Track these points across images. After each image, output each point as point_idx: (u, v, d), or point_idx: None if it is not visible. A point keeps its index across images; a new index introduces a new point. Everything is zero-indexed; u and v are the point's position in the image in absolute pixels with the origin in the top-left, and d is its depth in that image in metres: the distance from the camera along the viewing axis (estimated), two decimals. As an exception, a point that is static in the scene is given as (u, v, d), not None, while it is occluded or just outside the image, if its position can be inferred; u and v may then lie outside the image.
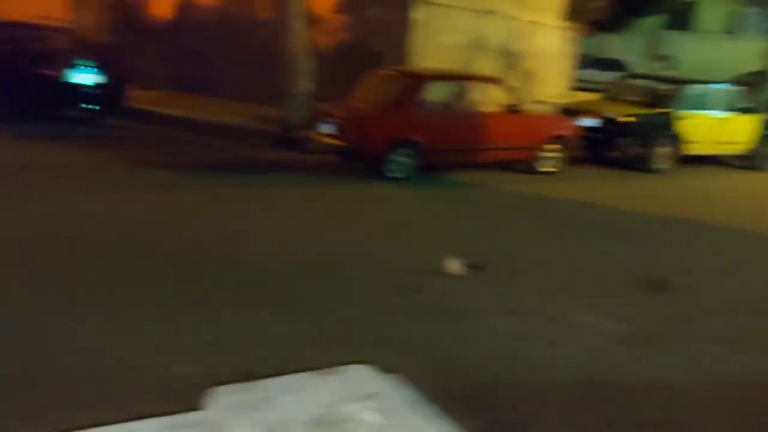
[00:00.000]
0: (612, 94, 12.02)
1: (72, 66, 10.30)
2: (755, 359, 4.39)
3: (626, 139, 10.46)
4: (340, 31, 12.47)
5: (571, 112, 11.05)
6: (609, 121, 10.61)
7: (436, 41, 11.85)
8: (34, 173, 7.62)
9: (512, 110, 9.58)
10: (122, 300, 4.43)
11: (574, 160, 10.29)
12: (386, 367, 3.43)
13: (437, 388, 3.40)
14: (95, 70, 10.52)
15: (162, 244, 5.62)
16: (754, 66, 16.62)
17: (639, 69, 18.02)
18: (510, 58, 13.22)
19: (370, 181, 8.66)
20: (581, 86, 16.34)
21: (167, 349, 3.79)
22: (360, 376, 1.13)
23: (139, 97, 11.88)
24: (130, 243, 5.58)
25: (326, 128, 9.05)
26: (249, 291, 4.76)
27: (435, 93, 9.22)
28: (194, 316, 4.27)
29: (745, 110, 11.53)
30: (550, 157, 9.88)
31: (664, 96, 11.09)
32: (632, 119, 10.54)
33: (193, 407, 1.07)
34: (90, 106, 10.77)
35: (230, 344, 3.93)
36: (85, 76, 10.42)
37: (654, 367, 4.14)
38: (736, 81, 13.35)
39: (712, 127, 11.09)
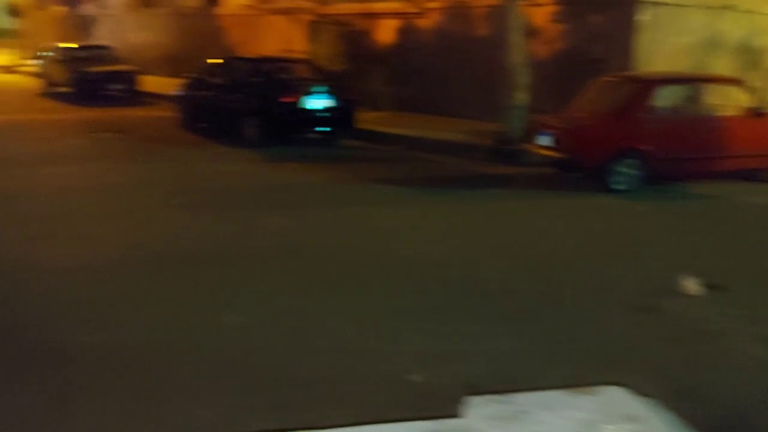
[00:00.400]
0: None
1: (308, 93, 11.32)
2: None
3: None
4: (558, 41, 12.23)
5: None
6: None
7: (665, 43, 11.13)
8: (278, 193, 8.49)
9: (755, 113, 8.67)
10: (363, 306, 4.78)
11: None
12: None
13: (681, 416, 3.22)
14: (328, 95, 11.45)
15: (398, 254, 5.96)
16: None
17: None
18: (750, 56, 11.98)
19: (592, 193, 8.38)
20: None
21: (401, 355, 4.03)
22: (616, 397, 1.13)
23: (367, 119, 12.68)
24: (369, 253, 6.00)
25: (544, 140, 8.94)
26: (478, 304, 4.87)
27: (665, 98, 8.68)
28: (428, 325, 4.47)
29: None
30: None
31: None
32: None
33: (448, 414, 1.15)
34: (324, 129, 11.75)
35: (459, 355, 4.06)
36: (319, 102, 11.39)
37: None
38: None
39: None
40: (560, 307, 4.84)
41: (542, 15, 12.17)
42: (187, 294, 5.01)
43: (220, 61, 13.39)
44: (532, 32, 11.54)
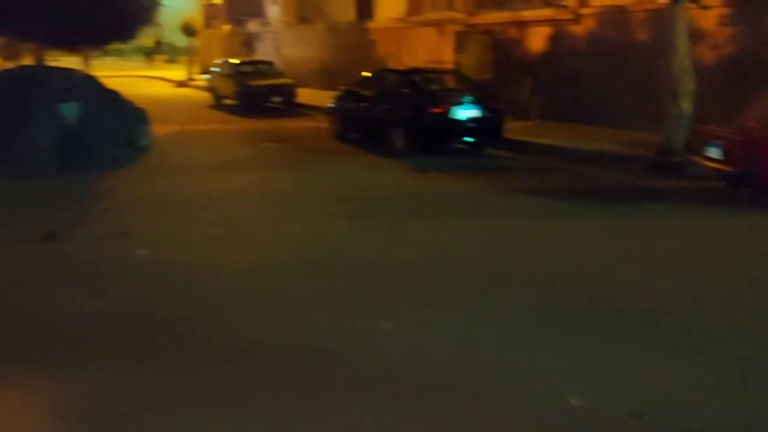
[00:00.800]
0: None
1: (457, 103, 11.33)
2: None
3: None
4: (726, 45, 11.37)
5: None
6: None
7: None
8: (426, 202, 8.55)
9: None
10: (516, 321, 4.69)
11: None
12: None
13: None
14: (476, 105, 11.40)
15: (551, 269, 5.80)
16: None
17: None
18: None
19: (764, 211, 7.67)
20: None
21: (560, 375, 3.90)
22: None
23: (515, 128, 12.49)
24: (521, 266, 5.89)
25: (713, 151, 8.31)
26: (640, 326, 4.62)
27: None
28: (587, 345, 4.30)
29: None
30: None
31: None
32: None
33: None
34: (471, 139, 11.71)
35: (622, 380, 3.86)
36: (467, 112, 11.36)
37: None
38: None
39: None
40: (732, 335, 4.46)
41: (709, 18, 11.37)
42: (344, 298, 5.17)
43: (371, 73, 13.77)
44: (697, 36, 10.81)
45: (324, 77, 21.82)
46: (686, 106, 9.91)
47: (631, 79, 12.52)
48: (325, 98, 15.66)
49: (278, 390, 3.78)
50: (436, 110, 11.32)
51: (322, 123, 14.80)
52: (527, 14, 15.04)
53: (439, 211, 8.00)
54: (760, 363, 4.07)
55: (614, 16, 13.32)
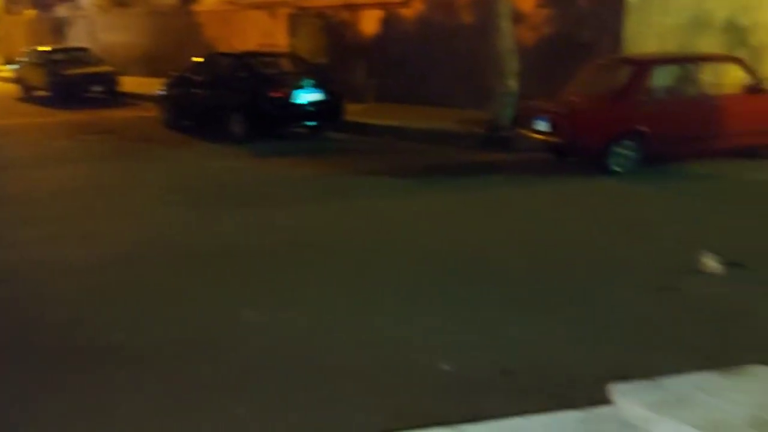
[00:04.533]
0: None
1: (296, 87, 11.11)
2: None
3: None
4: (545, 26, 12.15)
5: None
6: None
7: (653, 24, 11.08)
8: (274, 188, 8.29)
9: (754, 90, 8.65)
10: (381, 297, 4.63)
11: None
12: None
13: None
14: (316, 88, 11.24)
15: (407, 244, 5.82)
16: None
17: None
18: (737, 33, 11.97)
19: (591, 177, 8.29)
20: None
21: (431, 345, 3.90)
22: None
23: (353, 111, 12.49)
24: (377, 244, 5.85)
25: (540, 125, 8.84)
26: (499, 292, 4.74)
27: (662, 79, 8.61)
28: (453, 314, 4.34)
29: None
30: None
31: None
32: None
33: (598, 401, 1.05)
34: (312, 122, 11.55)
35: (489, 344, 3.93)
36: (307, 95, 11.18)
37: None
38: None
39: None
40: (582, 292, 4.73)
41: (529, 0, 12.06)
42: (199, 290, 4.88)
43: (203, 58, 13.12)
44: (519, 18, 11.43)
45: (148, 64, 20.56)
46: (512, 83, 10.46)
47: (459, 60, 13.00)
48: (152, 86, 14.74)
49: (145, 391, 3.48)
50: (275, 94, 11.03)
51: (151, 112, 13.93)
52: (358, -3, 15.10)
53: (287, 196, 7.79)
54: (615, 316, 4.33)
55: (441, 0, 13.74)
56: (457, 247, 5.77)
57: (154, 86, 14.04)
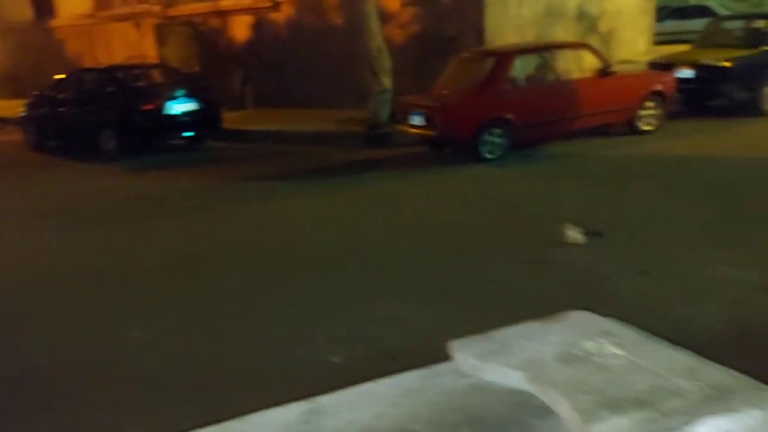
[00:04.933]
0: (703, 42, 11.49)
1: (168, 98, 10.86)
2: None
3: (729, 85, 9.96)
4: (412, 23, 12.53)
5: (663, 65, 10.66)
6: (707, 69, 10.14)
7: (511, 16, 11.72)
8: (151, 202, 8.09)
9: (603, 73, 9.36)
10: (270, 298, 4.68)
11: (671, 115, 9.93)
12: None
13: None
14: (190, 98, 11.04)
15: (295, 245, 5.89)
16: None
17: (727, 12, 17.14)
18: (587, 21, 12.88)
19: (466, 165, 8.68)
20: (662, 39, 15.68)
21: (320, 340, 4.00)
22: (586, 320, 1.21)
23: (232, 118, 12.36)
24: (264, 248, 5.88)
25: (415, 120, 9.14)
26: (385, 282, 4.92)
27: (521, 68, 9.14)
28: (341, 308, 4.46)
29: None
30: (648, 115, 9.58)
31: (764, 33, 10.50)
32: (732, 63, 10.02)
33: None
34: (189, 133, 11.33)
35: (377, 333, 4.09)
36: (181, 106, 10.95)
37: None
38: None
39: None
40: (463, 273, 5.00)
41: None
42: (85, 311, 4.77)
43: (66, 75, 12.53)
44: (386, 17, 11.72)
45: (7, 85, 19.31)
46: (386, 81, 10.73)
47: (334, 61, 13.15)
48: (13, 108, 13.88)
49: (30, 419, 3.38)
50: (147, 107, 10.73)
51: (14, 135, 13.13)
52: (226, 3, 14.91)
53: (168, 210, 7.64)
54: (495, 292, 4.60)
55: (310, 3, 13.84)
56: (343, 244, 5.91)
57: (16, 108, 13.24)
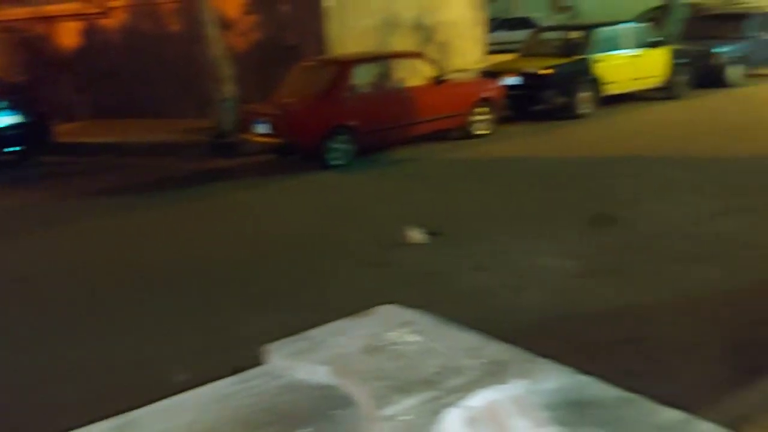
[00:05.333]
0: (527, 51, 12.45)
1: (-13, 110, 10.02)
2: (705, 271, 4.76)
3: (549, 91, 10.87)
4: (253, 31, 12.46)
5: (492, 74, 11.41)
6: (530, 77, 11.00)
7: (351, 26, 12.00)
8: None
9: (438, 81, 9.86)
10: (109, 320, 4.49)
11: (502, 120, 10.66)
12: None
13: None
14: (13, 110, 10.25)
15: (138, 262, 5.67)
16: (653, 2, 17.37)
17: (546, 23, 18.65)
18: (424, 32, 13.48)
19: (312, 172, 8.80)
20: (495, 49, 16.76)
21: (163, 358, 3.91)
22: (391, 312, 1.34)
23: (65, 131, 11.64)
24: (104, 266, 5.61)
25: (261, 128, 9.13)
26: (229, 294, 4.88)
27: (362, 76, 9.41)
28: (186, 324, 4.37)
29: (654, 44, 12.11)
30: (481, 120, 10.22)
31: (577, 43, 11.57)
32: (551, 71, 10.97)
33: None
34: (13, 149, 10.50)
35: (222, 347, 4.06)
36: (5, 119, 10.14)
37: (616, 293, 4.47)
38: (640, 18, 14.01)
39: (627, 65, 11.63)
40: (305, 280, 5.07)
41: (233, 7, 12.27)
42: None
43: None
44: (226, 25, 11.58)
45: None
46: (229, 89, 10.61)
47: (174, 69, 12.76)
48: None
49: None
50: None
51: None
52: (52, 9, 13.97)
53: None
54: (340, 297, 4.72)
55: (144, 9, 13.34)
56: (183, 258, 5.78)
57: None
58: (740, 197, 6.37)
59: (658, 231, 5.63)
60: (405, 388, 1.02)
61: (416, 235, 5.72)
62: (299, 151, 9.27)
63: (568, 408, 1.03)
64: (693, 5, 15.79)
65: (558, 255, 5.19)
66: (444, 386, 1.02)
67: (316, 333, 1.29)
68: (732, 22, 13.51)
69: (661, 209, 6.21)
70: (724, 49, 12.78)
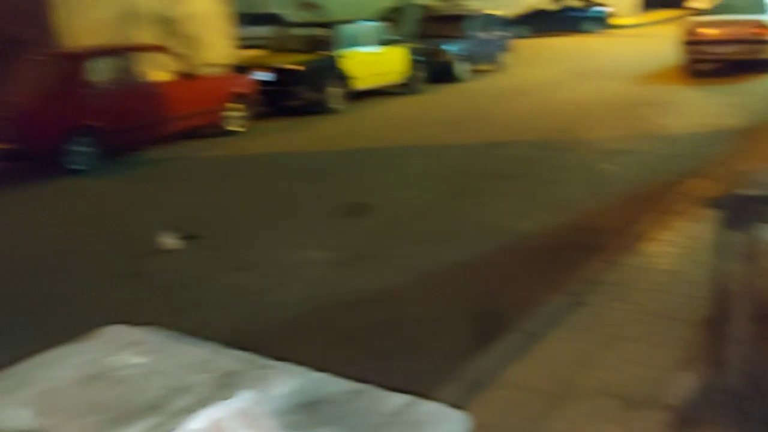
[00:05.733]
0: (277, 47, 12.52)
1: None
2: (445, 250, 5.22)
3: (300, 87, 11.04)
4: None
5: (243, 69, 11.29)
6: (281, 72, 11.08)
7: (84, 17, 11.05)
8: None
9: (185, 76, 9.50)
10: None
11: (257, 116, 10.63)
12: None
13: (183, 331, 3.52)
14: None
15: None
16: (390, 3, 18.44)
17: (293, 19, 18.88)
18: (168, 25, 12.89)
19: (52, 179, 7.97)
20: (246, 44, 16.64)
21: None
22: (117, 333, 1.24)
23: None
24: None
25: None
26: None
27: (99, 71, 8.71)
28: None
29: (393, 42, 12.91)
30: (235, 117, 10.07)
31: (323, 40, 11.90)
32: (301, 67, 11.15)
33: None
34: None
35: None
36: None
37: (370, 278, 4.72)
38: (379, 17, 14.83)
39: (371, 61, 12.25)
40: (50, 300, 4.60)
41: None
42: None
43: None
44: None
45: None
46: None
47: None
48: None
49: None
50: None
51: None
52: None
53: None
54: (84, 320, 4.32)
55: None
56: None
57: None
58: (470, 181, 7.08)
59: (404, 216, 6.04)
60: (124, 419, 0.95)
61: (171, 240, 5.47)
62: (34, 157, 8.30)
63: (299, 410, 1.04)
64: (424, 7, 17.16)
65: (316, 247, 5.33)
66: (169, 409, 0.98)
67: (20, 368, 1.15)
68: (456, 23, 14.92)
69: (406, 195, 6.67)
70: (452, 47, 14.07)
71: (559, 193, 6.40)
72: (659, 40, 17.25)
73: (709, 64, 13.10)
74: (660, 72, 13.74)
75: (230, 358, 1.14)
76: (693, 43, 12.89)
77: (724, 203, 2.52)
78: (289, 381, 1.10)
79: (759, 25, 12.32)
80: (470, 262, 4.91)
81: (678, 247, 4.51)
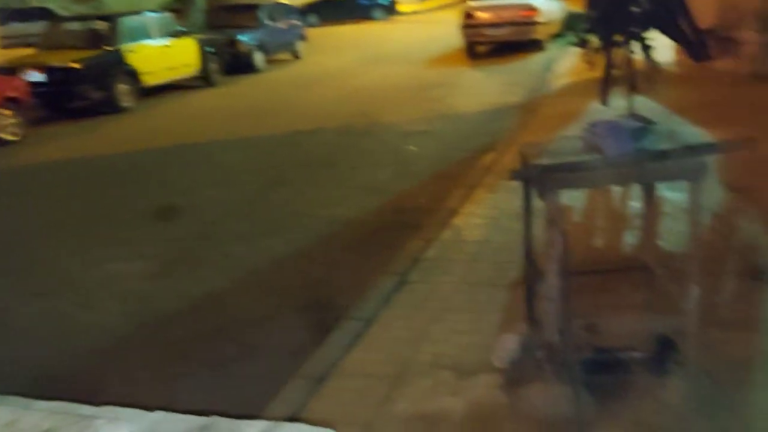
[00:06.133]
0: (49, 44, 11.38)
1: None
2: (267, 244, 5.11)
3: (82, 86, 10.14)
4: None
5: (10, 70, 10.11)
6: (57, 71, 10.08)
7: None
8: None
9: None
10: None
11: (35, 122, 9.63)
12: None
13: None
14: None
15: None
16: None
17: (65, 13, 17.30)
18: None
19: None
20: (12, 43, 14.99)
21: None
22: None
23: None
24: None
25: None
26: None
27: None
28: None
29: (182, 34, 12.31)
30: (7, 125, 9.01)
31: (105, 34, 11.02)
32: (77, 65, 10.20)
33: None
34: None
35: None
36: None
37: (192, 285, 4.49)
38: (163, 8, 14.08)
39: (159, 55, 11.57)
40: None
41: None
42: None
43: None
44: None
45: None
46: None
47: None
48: None
49: None
50: None
51: None
52: None
53: None
54: None
55: None
56: None
57: None
58: (280, 171, 7.03)
59: (219, 214, 5.83)
60: None
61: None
62: None
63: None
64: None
65: (128, 258, 4.96)
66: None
67: None
68: (248, 12, 14.64)
69: (218, 193, 6.45)
70: (245, 37, 13.80)
71: (370, 177, 6.57)
72: (442, 25, 18.34)
73: (485, 45, 14.17)
74: (444, 55, 14.61)
75: (42, 414, 0.95)
76: (470, 26, 13.84)
77: (524, 174, 2.73)
78: (127, 425, 0.95)
79: (527, 8, 13.54)
80: (294, 254, 4.87)
81: (484, 218, 4.84)
